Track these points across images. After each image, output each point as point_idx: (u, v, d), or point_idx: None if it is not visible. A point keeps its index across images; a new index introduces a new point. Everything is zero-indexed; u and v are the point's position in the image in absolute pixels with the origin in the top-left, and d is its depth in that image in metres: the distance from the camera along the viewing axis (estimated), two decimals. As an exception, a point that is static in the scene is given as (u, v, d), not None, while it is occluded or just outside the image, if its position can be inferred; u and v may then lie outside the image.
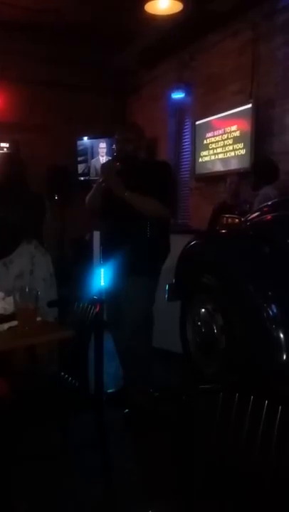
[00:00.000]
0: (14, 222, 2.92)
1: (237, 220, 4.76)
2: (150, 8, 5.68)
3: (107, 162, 3.78)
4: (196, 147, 7.28)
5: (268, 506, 1.53)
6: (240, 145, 6.32)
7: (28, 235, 2.96)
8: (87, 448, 2.76)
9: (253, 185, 5.37)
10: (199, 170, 7.27)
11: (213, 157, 6.92)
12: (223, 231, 4.36)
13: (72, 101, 8.25)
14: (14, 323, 2.33)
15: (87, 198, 3.58)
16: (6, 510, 2.29)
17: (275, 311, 3.17)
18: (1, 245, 2.88)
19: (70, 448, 2.91)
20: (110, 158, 3.67)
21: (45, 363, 2.62)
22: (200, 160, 7.20)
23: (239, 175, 6.04)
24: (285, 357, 3.10)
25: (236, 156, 6.42)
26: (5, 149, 8.18)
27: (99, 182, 3.53)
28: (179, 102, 7.82)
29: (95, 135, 8.37)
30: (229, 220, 5.04)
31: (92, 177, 8.04)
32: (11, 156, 5.56)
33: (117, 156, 3.54)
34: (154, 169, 3.53)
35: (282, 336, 3.12)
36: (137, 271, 3.38)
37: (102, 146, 8.36)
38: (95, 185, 3.57)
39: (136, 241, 3.36)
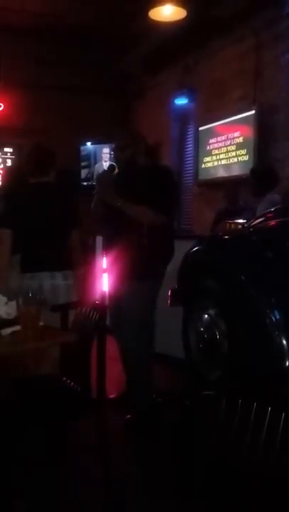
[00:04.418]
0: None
1: (240, 226, 4.77)
2: (154, 14, 5.74)
3: (102, 173, 3.83)
4: (199, 153, 7.30)
5: (268, 506, 1.53)
6: (243, 151, 6.34)
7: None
8: (88, 448, 2.75)
9: (254, 191, 5.36)
10: (202, 176, 7.28)
11: (216, 163, 6.94)
12: (226, 236, 4.35)
13: (73, 102, 8.26)
14: (17, 327, 2.34)
15: (92, 206, 3.62)
16: (6, 510, 2.29)
17: (277, 316, 3.16)
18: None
19: (71, 448, 2.90)
20: (108, 166, 3.68)
21: (46, 366, 2.63)
22: (203, 166, 7.22)
23: (242, 181, 6.03)
24: (287, 362, 3.10)
25: (239, 162, 6.43)
26: (8, 154, 8.21)
27: (95, 193, 3.58)
28: (182, 107, 7.84)
29: (97, 140, 8.36)
30: (232, 225, 5.05)
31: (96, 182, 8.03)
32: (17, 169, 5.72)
33: (116, 164, 3.57)
34: (154, 174, 3.51)
35: (284, 341, 3.11)
36: (137, 275, 3.38)
37: (106, 151, 8.36)
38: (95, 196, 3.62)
39: (135, 245, 3.36)
